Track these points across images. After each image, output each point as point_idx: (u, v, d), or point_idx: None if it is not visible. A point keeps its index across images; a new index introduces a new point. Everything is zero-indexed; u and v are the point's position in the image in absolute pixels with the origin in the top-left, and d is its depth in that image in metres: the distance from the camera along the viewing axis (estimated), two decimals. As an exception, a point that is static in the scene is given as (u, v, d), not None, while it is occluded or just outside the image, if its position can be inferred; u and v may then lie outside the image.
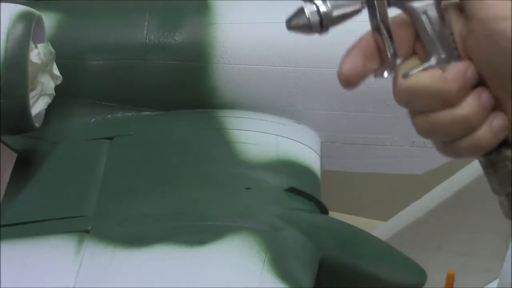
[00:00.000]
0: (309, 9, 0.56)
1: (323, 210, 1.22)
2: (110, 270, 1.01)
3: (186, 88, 1.39)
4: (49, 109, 1.26)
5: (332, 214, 1.25)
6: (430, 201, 1.77)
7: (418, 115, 0.58)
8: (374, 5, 0.57)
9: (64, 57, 1.32)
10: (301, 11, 0.56)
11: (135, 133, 1.33)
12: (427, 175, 1.51)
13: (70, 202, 1.17)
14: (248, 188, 1.19)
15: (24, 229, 1.11)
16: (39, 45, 1.21)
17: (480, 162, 0.59)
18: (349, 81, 0.57)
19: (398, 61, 0.58)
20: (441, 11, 0.58)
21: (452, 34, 0.57)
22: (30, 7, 1.23)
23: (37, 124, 1.23)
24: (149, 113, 1.39)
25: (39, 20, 1.23)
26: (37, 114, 1.23)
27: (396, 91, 0.57)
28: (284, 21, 0.62)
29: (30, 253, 1.05)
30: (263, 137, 1.33)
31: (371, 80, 0.60)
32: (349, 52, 0.58)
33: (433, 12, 0.58)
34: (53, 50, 1.23)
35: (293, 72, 1.37)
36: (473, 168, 1.68)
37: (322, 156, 1.39)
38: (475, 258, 1.76)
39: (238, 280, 0.99)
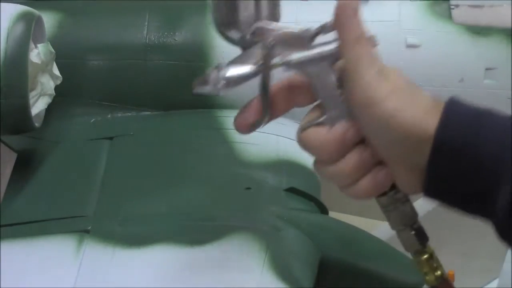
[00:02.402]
0: (212, 75, 0.66)
1: (323, 210, 1.22)
2: (110, 270, 1.01)
3: (186, 88, 1.38)
4: (49, 109, 1.26)
5: (332, 214, 1.25)
6: (430, 201, 1.77)
7: (316, 162, 0.68)
8: (263, 72, 0.66)
9: (64, 57, 1.32)
10: (205, 79, 0.67)
11: (135, 133, 1.33)
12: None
13: (70, 202, 1.17)
14: (248, 188, 1.19)
15: (24, 229, 1.11)
16: (39, 45, 1.21)
17: (377, 201, 0.66)
18: (241, 131, 0.70)
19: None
20: (332, 74, 0.63)
21: (341, 95, 0.63)
22: (30, 7, 1.23)
23: (37, 124, 1.23)
24: (149, 113, 1.39)
25: (39, 20, 1.23)
26: (37, 114, 1.23)
27: (297, 141, 0.68)
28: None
29: (30, 253, 1.05)
30: (263, 137, 1.32)
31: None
32: (242, 109, 0.70)
33: (325, 75, 0.64)
34: (53, 50, 1.23)
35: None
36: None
37: (322, 156, 1.39)
38: (475, 258, 1.76)
39: (238, 280, 0.99)
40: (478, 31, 1.36)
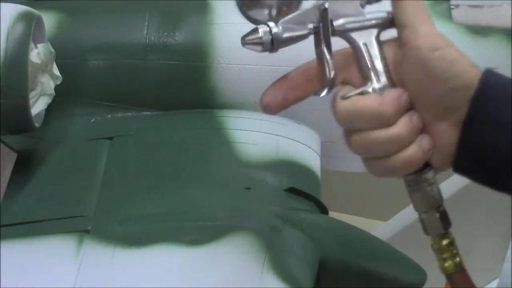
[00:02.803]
0: (262, 29, 0.64)
1: (323, 210, 1.22)
2: (110, 270, 1.01)
3: (186, 88, 1.39)
4: (49, 109, 1.26)
5: (332, 214, 1.25)
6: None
7: (354, 133, 0.67)
8: (319, 32, 0.65)
9: (64, 57, 1.32)
10: (255, 30, 0.64)
11: (135, 133, 1.33)
12: (427, 175, 1.51)
13: (70, 202, 1.17)
14: (248, 188, 1.19)
15: (24, 229, 1.10)
16: (39, 45, 1.21)
17: (405, 181, 0.66)
18: (268, 110, 0.67)
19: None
20: (380, 43, 0.64)
21: (387, 65, 0.64)
22: (30, 7, 1.23)
23: (37, 124, 1.23)
24: (149, 113, 1.39)
25: (39, 20, 1.23)
26: (37, 114, 1.23)
27: (336, 111, 0.67)
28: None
29: (30, 253, 1.05)
30: (263, 137, 1.32)
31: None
32: (272, 84, 0.68)
33: (371, 43, 0.65)
34: (53, 50, 1.23)
35: (293, 72, 1.37)
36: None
37: (322, 156, 1.39)
38: (475, 258, 1.76)
39: (238, 280, 0.99)
40: (478, 31, 1.36)
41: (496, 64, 1.35)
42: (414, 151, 0.65)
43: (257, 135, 1.33)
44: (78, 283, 0.99)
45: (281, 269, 1.01)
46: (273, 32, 0.64)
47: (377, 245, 1.17)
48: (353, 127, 0.67)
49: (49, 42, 1.24)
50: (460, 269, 0.72)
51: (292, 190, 1.21)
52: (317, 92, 0.68)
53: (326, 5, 0.64)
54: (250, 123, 1.35)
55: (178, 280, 0.99)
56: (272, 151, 1.29)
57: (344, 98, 0.65)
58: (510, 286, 1.33)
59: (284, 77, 0.69)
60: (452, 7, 1.38)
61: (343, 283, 1.12)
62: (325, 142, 1.42)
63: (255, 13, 0.67)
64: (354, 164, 1.51)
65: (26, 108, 1.18)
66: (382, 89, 0.65)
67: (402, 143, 0.65)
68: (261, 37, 0.64)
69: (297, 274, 1.02)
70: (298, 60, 1.37)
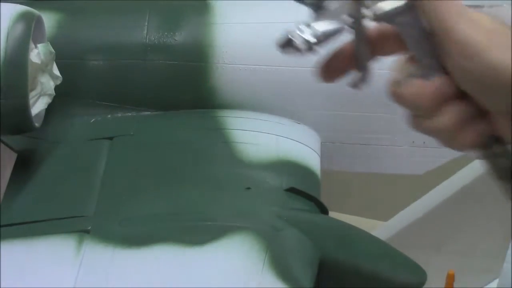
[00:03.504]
0: (296, 38, 0.62)
1: (323, 210, 1.22)
2: (110, 270, 1.01)
3: (186, 88, 1.39)
4: (49, 109, 1.26)
5: (332, 214, 1.25)
6: (430, 201, 1.77)
7: (413, 117, 0.62)
8: (355, 26, 0.62)
9: (64, 57, 1.32)
10: (289, 41, 0.62)
11: (135, 133, 1.33)
12: (427, 175, 1.51)
13: (70, 202, 1.17)
14: (248, 188, 1.19)
15: (24, 229, 1.10)
16: (39, 45, 1.21)
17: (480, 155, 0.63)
18: (325, 77, 0.64)
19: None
20: (423, 25, 0.61)
21: (433, 48, 0.61)
22: (30, 7, 1.23)
23: (37, 124, 1.23)
24: (149, 113, 1.39)
25: (39, 20, 1.23)
26: (37, 114, 1.23)
27: (389, 94, 0.62)
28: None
29: (30, 253, 1.05)
30: (263, 137, 1.33)
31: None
32: (330, 54, 0.64)
33: (416, 26, 0.61)
34: (53, 50, 1.23)
35: (292, 72, 1.37)
36: (473, 168, 1.68)
37: (322, 156, 1.39)
38: (475, 258, 1.76)
39: (238, 280, 0.99)
40: None
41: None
42: (466, 135, 0.61)
43: (257, 135, 1.33)
44: (78, 283, 0.99)
45: (281, 269, 1.01)
46: (306, 38, 0.62)
47: (377, 245, 1.17)
48: (409, 111, 0.63)
49: (49, 42, 1.24)
50: None
51: (292, 190, 1.21)
52: (353, 85, 0.65)
53: None
54: (250, 123, 1.35)
55: (178, 280, 0.99)
56: (272, 151, 1.29)
57: (395, 84, 0.61)
58: (510, 286, 1.32)
59: (338, 49, 0.64)
60: (452, 7, 1.37)
61: (343, 283, 1.12)
62: (325, 142, 1.43)
63: None
64: (354, 164, 1.52)
65: (26, 108, 1.18)
66: (431, 72, 0.61)
67: (451, 130, 0.61)
68: (296, 47, 0.62)
69: (297, 274, 1.02)
70: (297, 60, 1.38)
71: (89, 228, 1.08)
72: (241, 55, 1.37)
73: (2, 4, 1.20)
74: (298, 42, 0.61)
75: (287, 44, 0.62)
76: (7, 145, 1.32)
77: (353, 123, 1.41)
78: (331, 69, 0.64)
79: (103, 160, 1.25)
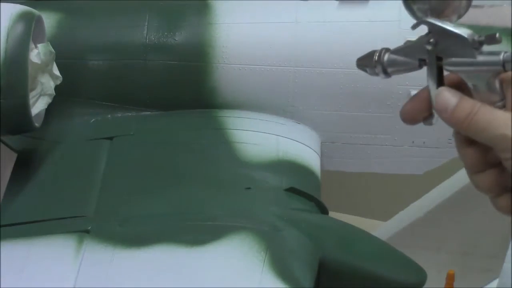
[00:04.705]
0: (376, 55, 0.64)
1: (323, 210, 1.22)
2: (110, 270, 1.01)
3: (186, 88, 1.39)
4: (49, 109, 1.26)
5: (332, 214, 1.25)
6: (430, 201, 1.77)
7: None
8: (430, 66, 0.62)
9: (64, 57, 1.32)
10: (370, 54, 0.64)
11: (135, 133, 1.33)
12: (427, 175, 1.51)
13: (70, 202, 1.17)
14: (248, 188, 1.19)
15: (24, 229, 1.10)
16: (39, 45, 1.21)
17: None
18: (406, 119, 0.65)
19: None
20: (491, 87, 0.61)
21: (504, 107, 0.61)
22: (30, 7, 1.23)
23: (37, 124, 1.23)
24: (149, 113, 1.39)
25: (39, 20, 1.23)
26: (37, 114, 1.23)
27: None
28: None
29: (30, 253, 1.05)
30: (263, 137, 1.33)
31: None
32: (411, 98, 0.65)
33: (487, 86, 0.61)
34: (53, 50, 1.23)
35: (293, 72, 1.37)
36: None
37: (322, 156, 1.39)
38: (475, 258, 1.76)
39: (238, 280, 0.99)
40: (478, 31, 1.36)
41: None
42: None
43: (257, 135, 1.33)
44: (78, 283, 0.99)
45: (281, 269, 1.00)
46: (383, 59, 0.63)
47: (377, 245, 1.17)
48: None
49: (49, 42, 1.24)
50: None
51: (292, 190, 1.21)
52: (425, 122, 0.65)
53: (431, 42, 0.62)
54: (250, 123, 1.35)
55: (178, 280, 0.99)
56: (272, 151, 1.29)
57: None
58: (510, 286, 1.32)
59: (417, 95, 0.66)
60: (452, 7, 1.37)
61: (343, 283, 1.12)
62: (325, 142, 1.43)
63: (418, 8, 0.64)
64: (354, 164, 1.51)
65: (26, 108, 1.18)
66: None
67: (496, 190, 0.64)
68: (373, 69, 0.64)
69: (297, 274, 1.02)
70: (297, 60, 1.38)
71: (89, 228, 1.08)
72: (241, 55, 1.37)
73: (2, 4, 1.20)
74: (376, 68, 0.63)
75: (366, 62, 0.64)
76: (7, 145, 1.32)
77: (353, 123, 1.41)
78: (413, 111, 0.65)
79: (103, 160, 1.25)
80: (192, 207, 1.14)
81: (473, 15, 1.38)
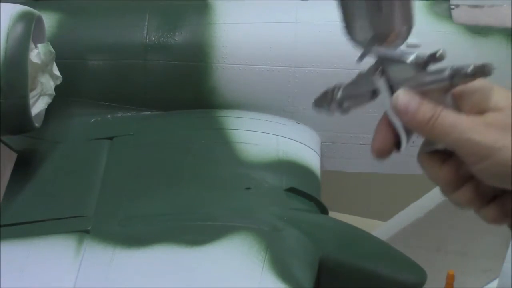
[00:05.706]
0: (330, 101, 0.66)
1: (323, 210, 1.22)
2: (110, 270, 1.01)
3: (186, 88, 1.39)
4: (49, 109, 1.26)
5: (332, 214, 1.25)
6: (430, 201, 1.77)
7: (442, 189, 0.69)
8: (383, 94, 0.65)
9: (64, 57, 1.32)
10: (324, 97, 0.67)
11: (135, 133, 1.33)
12: (427, 175, 1.51)
13: (70, 202, 1.17)
14: (248, 188, 1.19)
15: (24, 229, 1.10)
16: (39, 45, 1.21)
17: None
18: (380, 155, 0.66)
19: None
20: (447, 99, 0.62)
21: None
22: (30, 7, 1.23)
23: (37, 124, 1.23)
24: (149, 113, 1.39)
25: (39, 20, 1.23)
26: (37, 114, 1.23)
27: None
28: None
29: (30, 253, 1.05)
30: (263, 137, 1.32)
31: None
32: (376, 130, 0.66)
33: (440, 99, 0.62)
34: (53, 50, 1.23)
35: (293, 72, 1.37)
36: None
37: (322, 156, 1.39)
38: (475, 258, 1.76)
39: (238, 280, 0.99)
40: (478, 31, 1.36)
41: (496, 64, 1.35)
42: (491, 211, 0.66)
43: (257, 135, 1.33)
44: (78, 283, 0.99)
45: (281, 269, 1.00)
46: (336, 96, 0.65)
47: (377, 245, 1.17)
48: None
49: (49, 42, 1.24)
50: None
51: (292, 190, 1.21)
52: (396, 148, 0.67)
53: (379, 70, 0.63)
54: (250, 123, 1.35)
55: (178, 280, 0.99)
56: (272, 151, 1.29)
57: (419, 155, 0.67)
58: (510, 286, 1.32)
59: (381, 124, 0.67)
60: (452, 7, 1.38)
61: (343, 283, 1.12)
62: (325, 142, 1.43)
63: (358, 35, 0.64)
64: (354, 164, 1.51)
65: (26, 108, 1.18)
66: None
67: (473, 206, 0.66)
68: (327, 100, 0.66)
69: (297, 274, 1.02)
70: (297, 60, 1.38)
71: (89, 228, 1.08)
72: (241, 55, 1.37)
73: (2, 4, 1.20)
74: (332, 107, 0.65)
75: (322, 102, 0.66)
76: (7, 145, 1.32)
77: (353, 123, 1.41)
78: (381, 145, 0.66)
79: (103, 160, 1.25)
80: (192, 207, 1.14)
81: (473, 15, 1.38)
